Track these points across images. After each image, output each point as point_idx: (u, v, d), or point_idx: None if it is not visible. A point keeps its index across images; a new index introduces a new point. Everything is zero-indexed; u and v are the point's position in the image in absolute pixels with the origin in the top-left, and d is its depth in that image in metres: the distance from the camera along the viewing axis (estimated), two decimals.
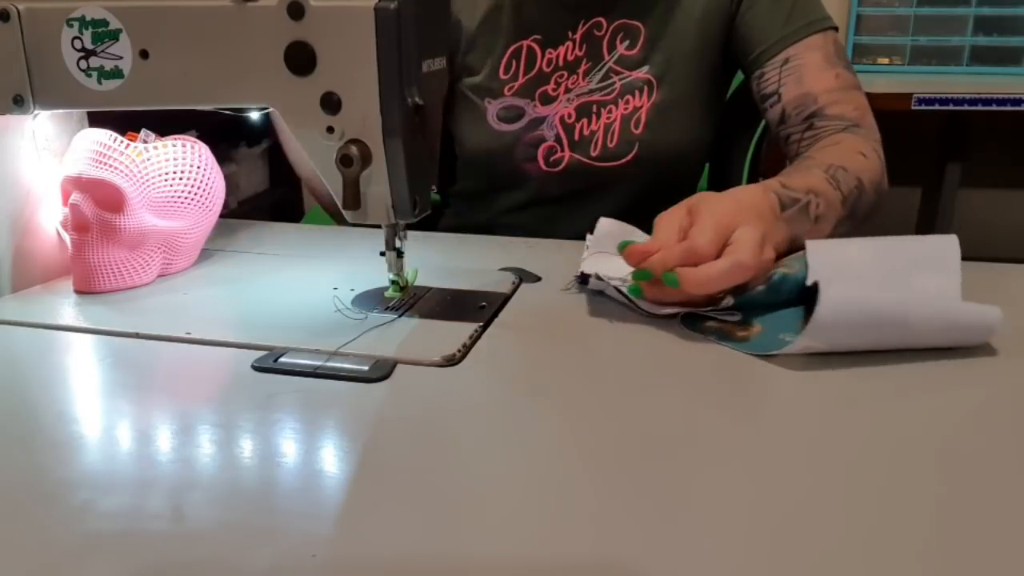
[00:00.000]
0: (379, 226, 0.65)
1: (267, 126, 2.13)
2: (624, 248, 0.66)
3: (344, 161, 0.60)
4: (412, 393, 0.56)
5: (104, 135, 0.73)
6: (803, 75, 0.89)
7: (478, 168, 0.86)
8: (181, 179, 0.76)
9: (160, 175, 0.75)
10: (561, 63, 0.95)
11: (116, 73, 0.64)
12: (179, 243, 0.78)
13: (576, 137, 0.95)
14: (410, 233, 0.68)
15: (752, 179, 1.25)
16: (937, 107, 1.92)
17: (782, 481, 0.46)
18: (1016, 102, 1.92)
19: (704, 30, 0.93)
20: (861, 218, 0.80)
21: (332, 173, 0.61)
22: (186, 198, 0.77)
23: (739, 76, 1.05)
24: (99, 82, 0.64)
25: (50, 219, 0.76)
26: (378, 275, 0.72)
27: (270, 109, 0.63)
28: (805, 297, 0.63)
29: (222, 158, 1.29)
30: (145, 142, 0.75)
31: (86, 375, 0.61)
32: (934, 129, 2.41)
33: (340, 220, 0.70)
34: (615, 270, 0.70)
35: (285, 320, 0.68)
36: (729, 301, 0.65)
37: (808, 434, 0.51)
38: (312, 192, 1.06)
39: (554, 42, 0.95)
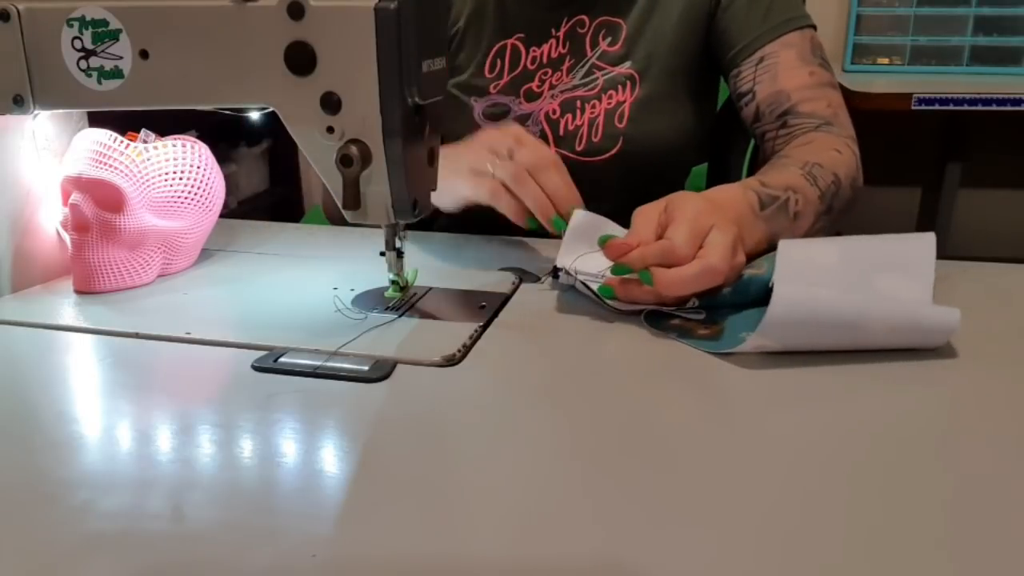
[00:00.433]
0: (379, 226, 0.65)
1: (267, 126, 2.13)
2: (604, 242, 0.67)
3: (344, 161, 0.60)
4: (412, 393, 0.56)
5: (104, 135, 0.73)
6: (777, 73, 0.89)
7: None
8: (181, 179, 0.76)
9: (160, 175, 0.75)
10: (545, 60, 0.96)
11: (116, 73, 0.64)
12: (179, 243, 0.78)
13: (561, 132, 0.96)
14: (410, 233, 0.68)
15: None
16: (937, 107, 1.91)
17: (782, 481, 0.46)
18: (1016, 102, 1.91)
19: (685, 26, 0.94)
20: (837, 214, 0.81)
21: (332, 173, 0.61)
22: (186, 198, 0.77)
23: None
24: (99, 82, 0.64)
25: (50, 219, 0.76)
26: (378, 275, 0.72)
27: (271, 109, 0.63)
28: (768, 298, 0.63)
29: (222, 158, 1.29)
30: (145, 142, 0.75)
31: (86, 375, 0.61)
32: (934, 129, 2.41)
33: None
34: (593, 265, 0.70)
35: (285, 320, 0.68)
36: (694, 303, 0.66)
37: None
38: None
39: (538, 40, 0.96)
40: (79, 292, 0.74)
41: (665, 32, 0.95)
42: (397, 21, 0.56)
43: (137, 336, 0.65)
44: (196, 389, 0.60)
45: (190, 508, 0.44)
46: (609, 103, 0.95)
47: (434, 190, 0.67)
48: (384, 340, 0.63)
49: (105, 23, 0.63)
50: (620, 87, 0.95)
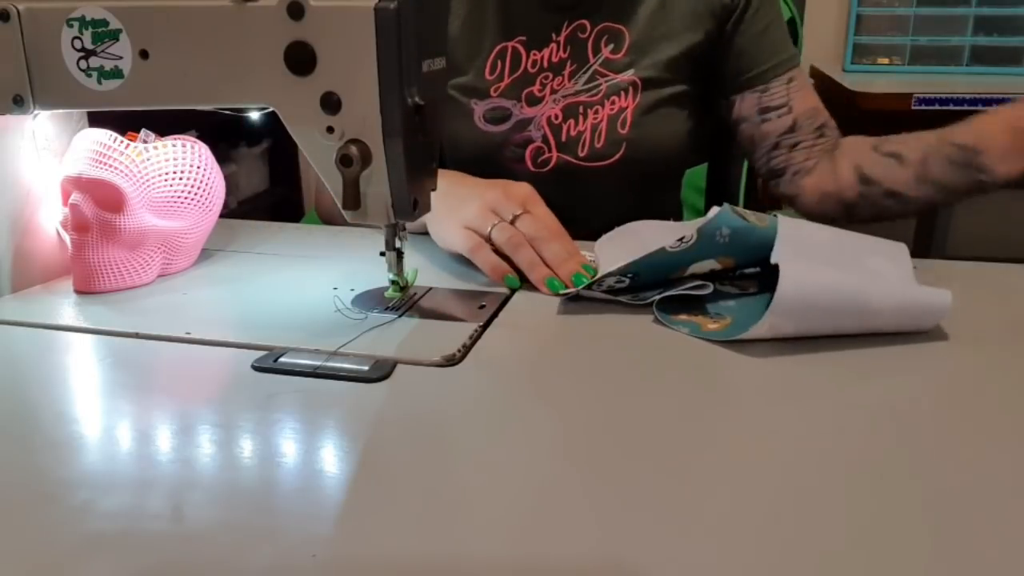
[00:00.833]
0: (379, 226, 0.65)
1: (267, 126, 2.13)
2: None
3: (344, 161, 0.60)
4: (412, 393, 0.56)
5: (104, 135, 0.73)
6: (807, 92, 0.99)
7: (467, 169, 0.86)
8: (181, 179, 0.76)
9: (160, 175, 0.75)
10: (546, 64, 0.96)
11: (116, 73, 0.64)
12: (179, 243, 0.78)
13: (563, 138, 0.96)
14: (410, 233, 0.68)
15: (750, 185, 1.26)
16: (937, 107, 1.91)
17: (780, 476, 0.46)
18: None
19: (690, 36, 0.95)
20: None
21: (332, 173, 0.61)
22: (186, 198, 0.77)
23: None
24: (99, 82, 0.64)
25: (50, 219, 0.76)
26: (378, 275, 0.72)
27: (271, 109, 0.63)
28: (770, 284, 0.64)
29: (222, 158, 1.29)
30: (145, 142, 0.75)
31: (86, 375, 0.61)
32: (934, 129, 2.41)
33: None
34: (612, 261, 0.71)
35: (285, 320, 0.68)
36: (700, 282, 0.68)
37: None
38: None
39: (539, 43, 0.96)
40: (79, 292, 0.74)
41: (670, 41, 0.95)
42: (397, 21, 0.56)
43: (137, 336, 0.65)
44: (196, 389, 0.60)
45: (190, 508, 0.44)
46: (612, 109, 0.95)
47: (434, 190, 0.67)
48: (384, 340, 0.63)
49: (105, 23, 0.63)
50: (623, 93, 0.95)
